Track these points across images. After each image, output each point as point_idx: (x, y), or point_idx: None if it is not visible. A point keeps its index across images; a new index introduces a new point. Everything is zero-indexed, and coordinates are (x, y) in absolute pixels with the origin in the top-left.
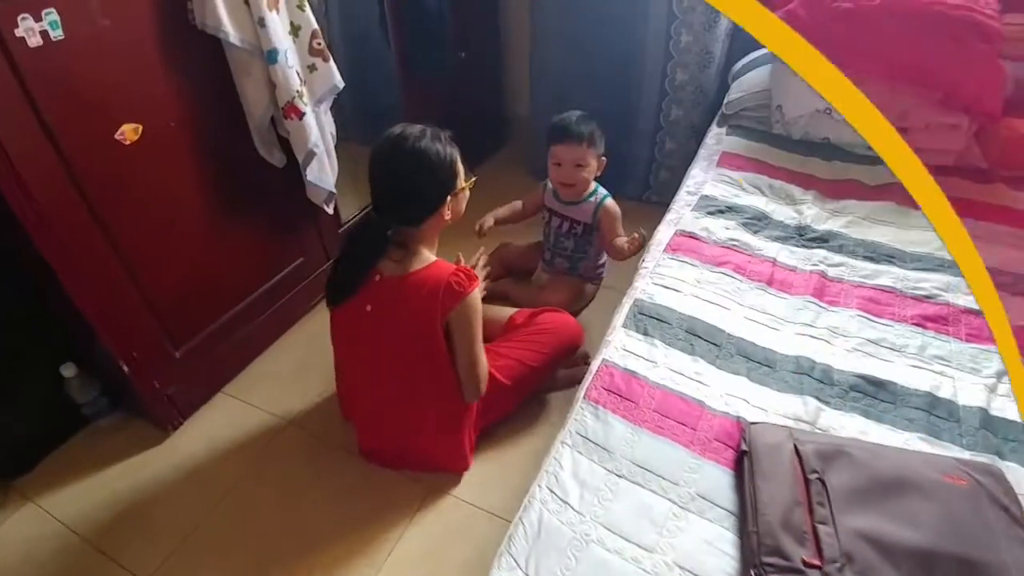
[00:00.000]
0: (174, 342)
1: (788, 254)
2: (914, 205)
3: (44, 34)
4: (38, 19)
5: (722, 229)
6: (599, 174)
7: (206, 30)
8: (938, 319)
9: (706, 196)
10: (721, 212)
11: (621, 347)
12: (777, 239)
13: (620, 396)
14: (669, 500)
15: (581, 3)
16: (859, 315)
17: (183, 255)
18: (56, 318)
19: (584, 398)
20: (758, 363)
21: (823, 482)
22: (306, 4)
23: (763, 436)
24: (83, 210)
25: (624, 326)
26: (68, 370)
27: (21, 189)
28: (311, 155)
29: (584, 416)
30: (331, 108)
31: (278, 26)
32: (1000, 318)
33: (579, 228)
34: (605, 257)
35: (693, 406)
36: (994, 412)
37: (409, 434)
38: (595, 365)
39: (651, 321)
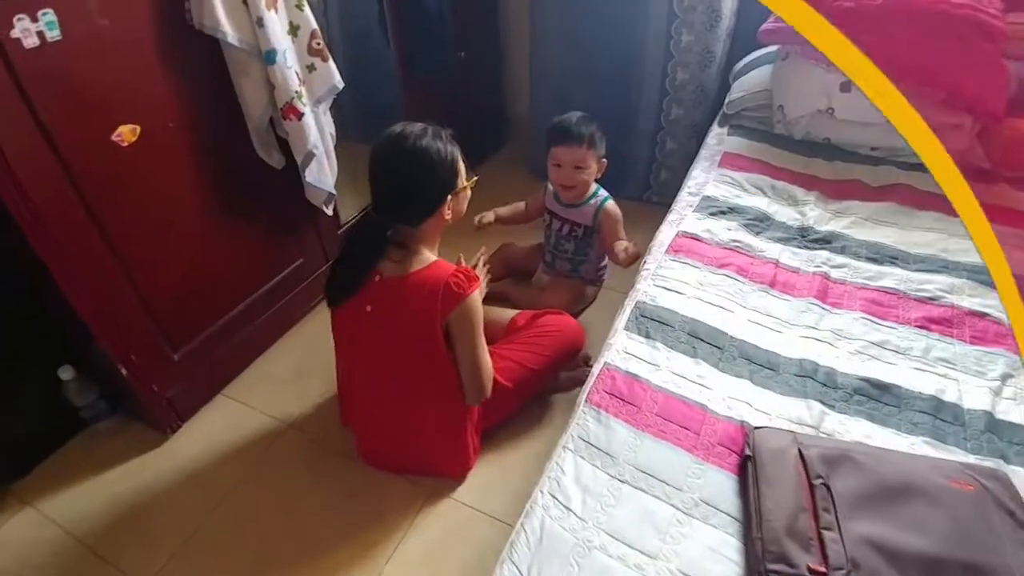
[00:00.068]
0: (172, 344)
1: (791, 255)
2: (920, 207)
3: (41, 35)
4: (35, 20)
5: (724, 230)
6: (600, 176)
7: (204, 30)
8: (942, 321)
9: (708, 197)
10: (723, 213)
11: (623, 350)
12: (779, 240)
13: (622, 400)
14: (672, 506)
15: (581, 2)
16: (863, 317)
17: (181, 256)
18: (54, 320)
19: (586, 402)
20: (761, 366)
21: (828, 487)
22: (305, 3)
23: (767, 441)
24: (80, 210)
25: (626, 328)
26: (66, 373)
27: (17, 189)
28: (310, 156)
29: (586, 420)
30: (330, 108)
31: (276, 26)
32: None
33: (579, 231)
34: (606, 259)
35: (696, 410)
36: (999, 415)
37: (409, 434)
38: (597, 368)
39: (653, 323)
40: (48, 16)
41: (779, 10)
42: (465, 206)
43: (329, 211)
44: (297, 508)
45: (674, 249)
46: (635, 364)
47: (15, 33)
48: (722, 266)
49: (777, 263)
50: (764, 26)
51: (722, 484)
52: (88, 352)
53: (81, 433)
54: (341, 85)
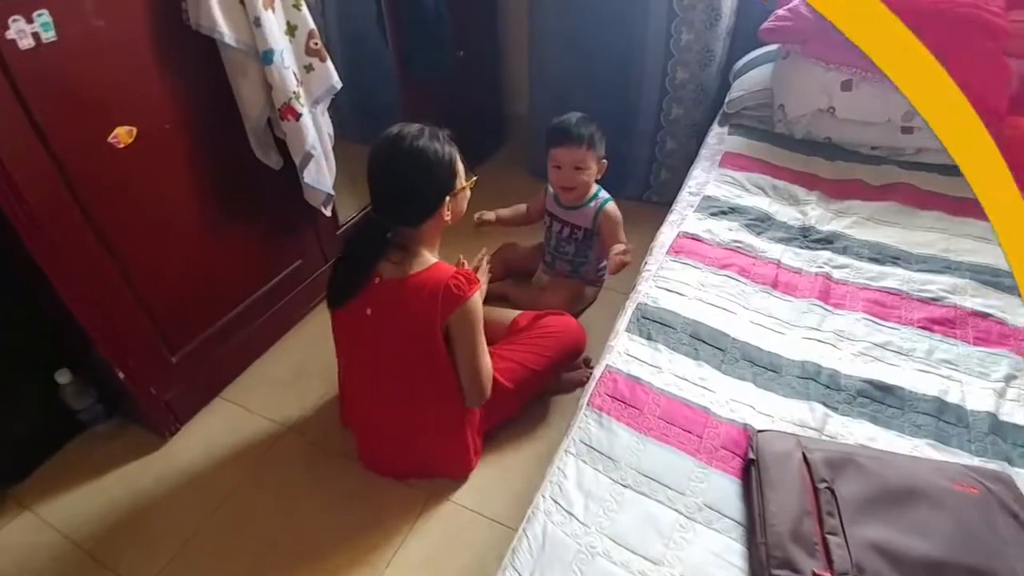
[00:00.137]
0: (170, 346)
1: (792, 256)
2: (921, 206)
3: (36, 36)
4: (29, 21)
5: (725, 231)
6: (600, 177)
7: (201, 30)
8: (945, 322)
9: (708, 197)
10: (724, 213)
11: (624, 352)
12: (781, 241)
13: (624, 403)
14: (675, 510)
15: (580, 1)
16: (865, 318)
17: (179, 258)
18: (50, 323)
19: (588, 405)
20: (764, 368)
21: (832, 491)
22: (302, 3)
23: (771, 444)
24: (76, 212)
25: (627, 330)
26: (63, 376)
27: (12, 191)
28: (308, 157)
29: (588, 424)
30: (328, 108)
31: (274, 26)
32: None
33: (580, 233)
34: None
35: (698, 413)
36: (1003, 417)
37: (409, 435)
38: (598, 371)
39: (655, 325)
40: (43, 17)
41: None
42: (464, 207)
43: (327, 212)
44: (296, 511)
45: (675, 250)
46: (637, 366)
47: (10, 34)
48: (724, 267)
49: (779, 264)
50: (765, 24)
51: (725, 488)
52: (86, 355)
53: (79, 436)
54: (339, 85)
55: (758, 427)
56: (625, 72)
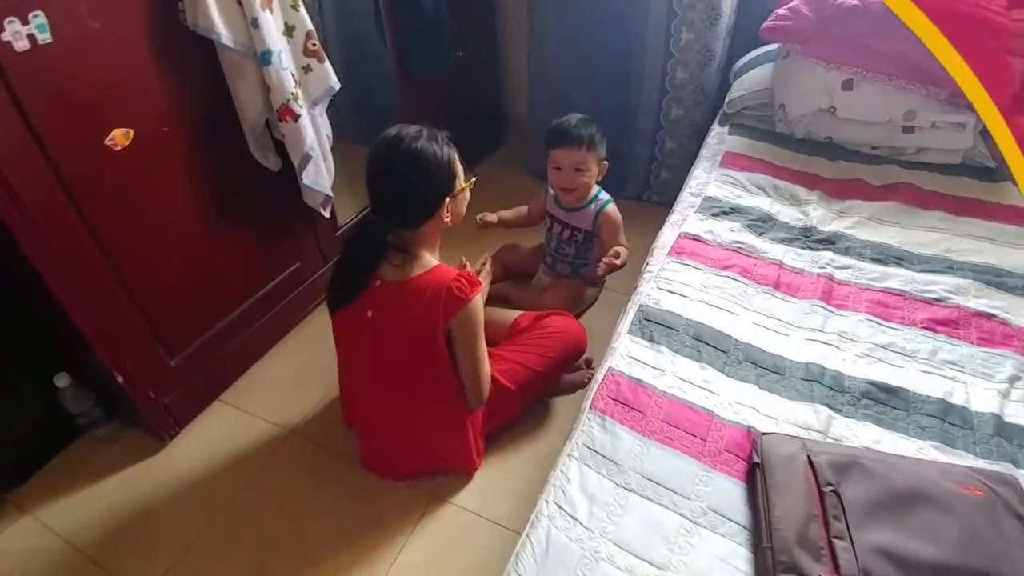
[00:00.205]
0: (169, 350)
1: (795, 256)
2: (923, 206)
3: (31, 37)
4: (25, 22)
5: (727, 231)
6: (601, 178)
7: (198, 31)
8: (948, 323)
9: (710, 197)
10: (725, 214)
11: (627, 354)
12: (783, 241)
13: (627, 406)
14: (680, 515)
15: (579, 1)
16: (868, 319)
17: (177, 261)
18: (48, 327)
19: (591, 408)
20: (767, 370)
21: (838, 495)
22: (300, 4)
23: (775, 447)
24: (72, 215)
25: (629, 332)
26: (62, 380)
27: (8, 194)
28: (307, 158)
29: (591, 427)
30: (327, 109)
31: (272, 26)
32: None
33: (580, 235)
34: None
35: (702, 416)
36: (1008, 418)
37: (410, 435)
38: (601, 373)
39: (657, 327)
40: (39, 18)
41: None
42: (464, 208)
43: (326, 213)
44: (298, 514)
45: (677, 251)
46: (640, 369)
47: (5, 36)
48: (725, 268)
49: (781, 264)
50: (766, 24)
51: (730, 492)
52: (84, 359)
53: (78, 440)
54: (338, 86)
55: (762, 430)
56: (625, 72)
